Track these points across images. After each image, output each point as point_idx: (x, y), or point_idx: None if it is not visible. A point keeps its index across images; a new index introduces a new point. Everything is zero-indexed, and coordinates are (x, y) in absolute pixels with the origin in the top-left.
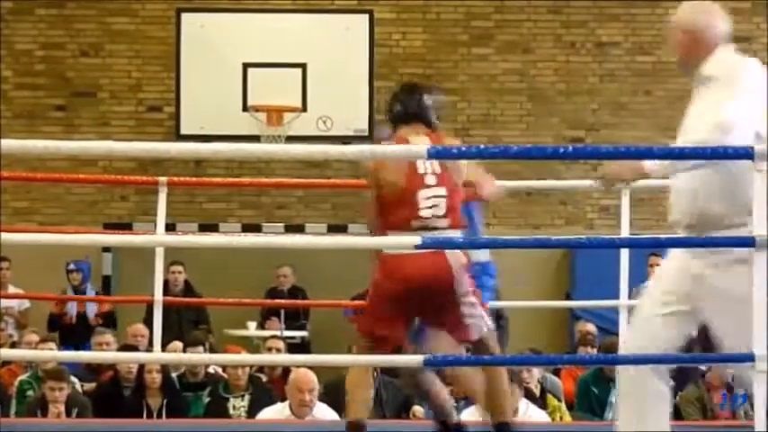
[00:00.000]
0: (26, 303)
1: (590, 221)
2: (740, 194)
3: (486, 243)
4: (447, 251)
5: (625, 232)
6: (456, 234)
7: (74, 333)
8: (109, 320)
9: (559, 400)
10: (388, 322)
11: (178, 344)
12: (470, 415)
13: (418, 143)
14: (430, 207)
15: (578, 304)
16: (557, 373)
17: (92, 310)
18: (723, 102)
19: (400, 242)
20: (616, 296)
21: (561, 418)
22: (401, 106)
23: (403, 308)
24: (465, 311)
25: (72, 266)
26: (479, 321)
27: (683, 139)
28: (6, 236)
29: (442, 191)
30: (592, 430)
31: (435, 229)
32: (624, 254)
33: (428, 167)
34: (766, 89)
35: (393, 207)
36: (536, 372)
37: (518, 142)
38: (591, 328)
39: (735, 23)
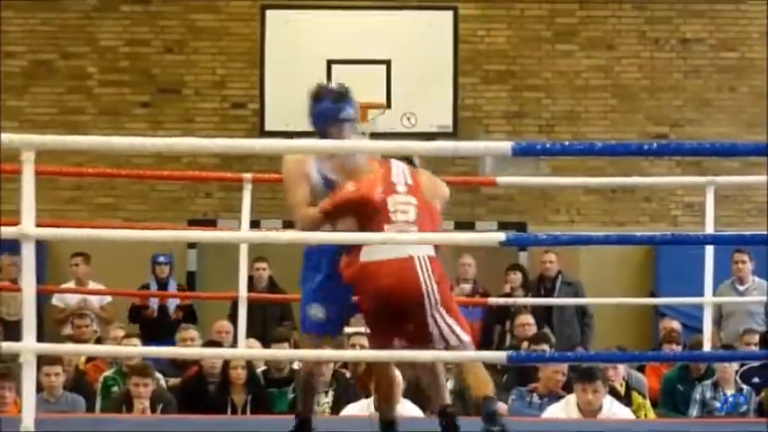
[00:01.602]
0: (108, 299)
1: (674, 218)
2: None
3: (570, 239)
4: (416, 262)
5: (710, 229)
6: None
7: (155, 326)
8: (189, 315)
9: (644, 398)
10: (389, 334)
11: (255, 341)
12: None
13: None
14: (399, 213)
15: (663, 301)
16: (641, 370)
17: (173, 303)
18: None
19: (484, 238)
20: (700, 293)
21: (646, 415)
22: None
23: (387, 317)
24: (429, 321)
25: (162, 259)
26: (446, 333)
27: None
28: (93, 232)
29: (412, 199)
30: (677, 429)
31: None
32: (709, 250)
33: (401, 178)
34: None
35: (366, 214)
36: (621, 369)
37: (602, 139)
38: (675, 325)
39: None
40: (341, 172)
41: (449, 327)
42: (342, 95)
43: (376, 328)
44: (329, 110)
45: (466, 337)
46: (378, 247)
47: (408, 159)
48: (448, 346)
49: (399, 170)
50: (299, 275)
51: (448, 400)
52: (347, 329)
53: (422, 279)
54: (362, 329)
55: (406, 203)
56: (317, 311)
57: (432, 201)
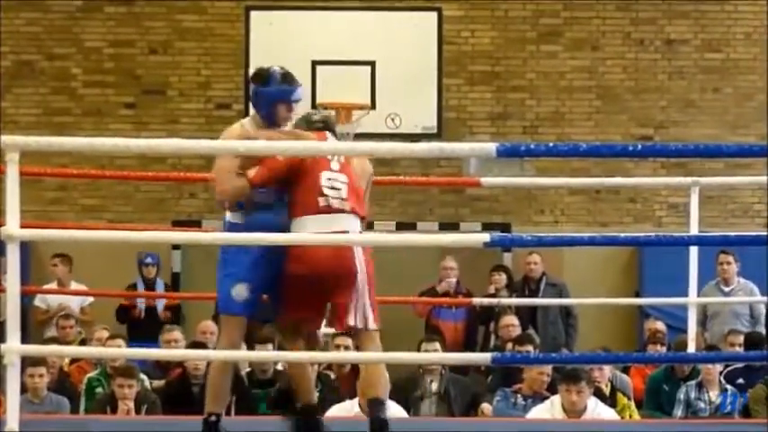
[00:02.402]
0: (89, 300)
1: (659, 219)
2: None
3: (555, 240)
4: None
5: (694, 230)
6: (356, 219)
7: (142, 326)
8: (177, 314)
9: (629, 399)
10: (305, 307)
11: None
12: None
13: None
14: (332, 188)
15: (648, 302)
16: (626, 371)
17: (161, 303)
18: None
19: (468, 239)
20: (685, 294)
21: (631, 416)
22: None
23: (313, 291)
24: (353, 297)
25: (149, 260)
26: (360, 315)
27: None
28: (77, 233)
29: (344, 177)
30: (661, 429)
31: (338, 211)
32: (693, 251)
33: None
34: None
35: (298, 186)
36: (607, 370)
37: (587, 140)
38: (660, 325)
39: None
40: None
41: (364, 309)
42: (292, 78)
43: (294, 300)
44: (282, 92)
45: (374, 326)
46: (314, 219)
47: (333, 131)
48: (356, 328)
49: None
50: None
51: (315, 398)
52: (330, 330)
53: (355, 255)
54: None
55: (338, 180)
56: (241, 291)
57: (359, 181)
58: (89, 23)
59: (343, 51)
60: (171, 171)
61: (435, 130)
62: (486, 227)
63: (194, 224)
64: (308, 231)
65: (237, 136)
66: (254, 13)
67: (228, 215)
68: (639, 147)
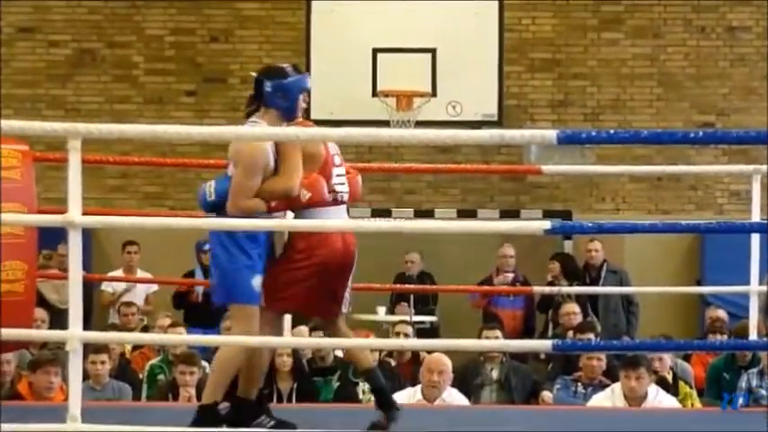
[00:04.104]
0: (154, 288)
1: (720, 206)
2: None
3: (615, 228)
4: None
5: (756, 217)
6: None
7: (200, 313)
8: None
9: (691, 387)
10: (305, 297)
11: (303, 328)
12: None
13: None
14: (340, 184)
15: (709, 290)
16: (687, 359)
17: None
18: None
19: (529, 227)
20: (746, 282)
21: (692, 404)
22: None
23: (332, 281)
24: (348, 286)
25: (206, 246)
26: (347, 300)
27: None
28: (138, 220)
29: (343, 170)
30: (721, 418)
31: (343, 203)
32: (755, 239)
33: (335, 148)
34: None
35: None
36: (668, 358)
37: (648, 127)
38: (721, 314)
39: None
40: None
41: (348, 295)
42: (297, 67)
43: (314, 290)
44: (300, 80)
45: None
46: (326, 211)
47: None
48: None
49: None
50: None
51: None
52: (391, 317)
53: (353, 243)
54: (407, 318)
55: (341, 175)
56: (259, 282)
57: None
58: (150, 11)
59: (403, 39)
60: None
61: (496, 118)
62: (547, 214)
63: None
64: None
65: (260, 151)
66: (315, 1)
67: None
68: (701, 134)
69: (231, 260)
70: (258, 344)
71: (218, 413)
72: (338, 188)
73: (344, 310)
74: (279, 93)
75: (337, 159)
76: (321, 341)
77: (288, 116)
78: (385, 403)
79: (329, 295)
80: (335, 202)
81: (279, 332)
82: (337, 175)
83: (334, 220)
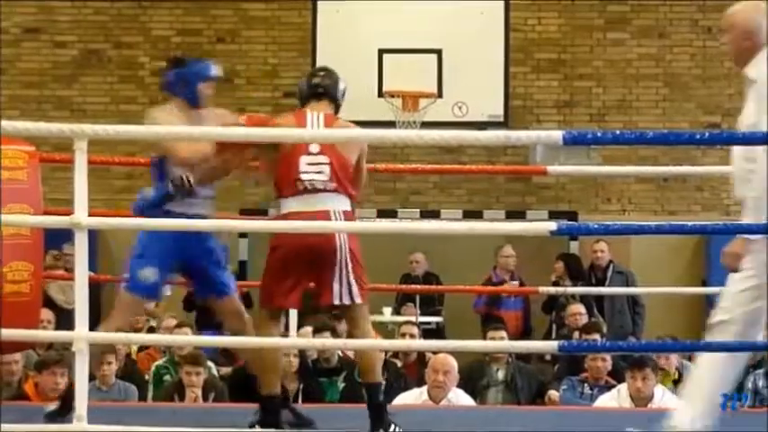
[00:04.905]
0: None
1: (727, 207)
2: None
3: (621, 229)
4: (332, 216)
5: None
6: (341, 198)
7: (210, 314)
8: (246, 302)
9: None
10: (285, 289)
11: (308, 329)
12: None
13: (314, 116)
14: (312, 172)
15: (715, 291)
16: (692, 359)
17: None
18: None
19: (535, 228)
20: None
21: None
22: (317, 83)
23: (294, 270)
24: (335, 276)
25: None
26: (345, 292)
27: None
28: (145, 221)
29: (325, 158)
30: (727, 419)
31: (319, 191)
32: None
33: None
34: None
35: (278, 168)
36: (674, 358)
37: (654, 128)
38: None
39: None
40: None
41: (348, 285)
42: (200, 58)
43: (275, 278)
44: (203, 68)
45: (359, 300)
46: (296, 199)
47: (334, 97)
48: (341, 306)
49: (314, 127)
50: None
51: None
52: (397, 318)
53: (337, 234)
54: (413, 318)
55: (319, 163)
56: (149, 275)
57: (349, 155)
58: (156, 12)
59: (409, 39)
60: None
61: (502, 119)
62: (553, 215)
63: (261, 213)
64: (292, 210)
65: (167, 117)
66: (321, 2)
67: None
68: (707, 134)
69: (133, 248)
70: (257, 345)
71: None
72: (305, 177)
73: (337, 300)
74: (179, 81)
75: (314, 148)
76: (326, 342)
77: (192, 104)
78: (378, 420)
79: (301, 288)
80: (304, 190)
81: (274, 332)
82: (308, 164)
83: (327, 222)
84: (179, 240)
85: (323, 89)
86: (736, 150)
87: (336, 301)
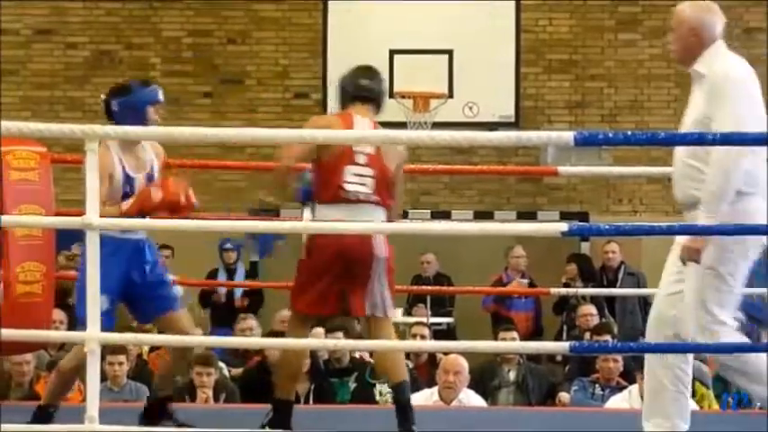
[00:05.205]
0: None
1: None
2: None
3: (633, 230)
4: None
5: None
6: (379, 210)
7: (223, 313)
8: (257, 302)
9: (708, 388)
10: (322, 295)
11: (320, 330)
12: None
13: (363, 122)
14: (356, 183)
15: None
16: (704, 360)
17: (240, 290)
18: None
19: (546, 229)
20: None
21: (710, 405)
22: (368, 86)
23: (330, 276)
24: (369, 288)
25: (228, 245)
26: (379, 303)
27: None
28: (156, 222)
29: (370, 171)
30: (739, 419)
31: (361, 202)
32: None
33: (362, 147)
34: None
35: (322, 179)
36: None
37: (665, 128)
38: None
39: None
40: (141, 169)
41: (383, 297)
42: (148, 81)
43: (312, 283)
44: (147, 93)
45: (391, 313)
46: (338, 207)
47: (378, 101)
48: (374, 315)
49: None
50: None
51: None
52: (408, 319)
53: (375, 243)
54: (424, 319)
55: (365, 175)
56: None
57: (390, 166)
58: (167, 13)
59: (420, 40)
60: (249, 160)
61: (513, 119)
62: (564, 216)
63: (272, 213)
64: (331, 219)
65: (100, 157)
66: (331, 2)
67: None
68: (718, 135)
69: (78, 280)
70: (269, 346)
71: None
72: (350, 187)
73: (371, 310)
74: (126, 110)
75: (361, 158)
76: (338, 343)
77: None
78: (405, 420)
79: (335, 294)
80: (346, 200)
81: (303, 335)
82: (354, 174)
83: (352, 222)
84: (123, 263)
85: (371, 94)
86: (681, 150)
87: (369, 313)
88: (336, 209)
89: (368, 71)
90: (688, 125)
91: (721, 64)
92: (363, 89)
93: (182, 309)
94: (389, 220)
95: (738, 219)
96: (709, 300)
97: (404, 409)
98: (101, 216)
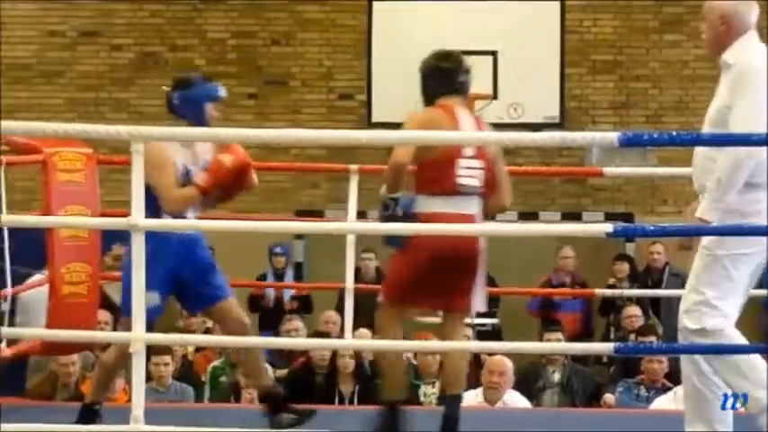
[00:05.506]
0: None
1: None
2: None
3: (677, 230)
4: (476, 221)
5: None
6: (481, 202)
7: (271, 316)
8: (306, 304)
9: None
10: (423, 290)
11: (366, 331)
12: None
13: (465, 116)
14: (467, 176)
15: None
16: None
17: (288, 294)
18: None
19: (591, 229)
20: None
21: None
22: (464, 78)
23: (438, 272)
24: (475, 284)
25: (278, 250)
26: (479, 299)
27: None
28: (200, 223)
29: (479, 163)
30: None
31: (470, 194)
32: None
33: None
34: None
35: (433, 172)
36: None
37: None
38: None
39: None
40: (196, 162)
41: (482, 294)
42: (206, 78)
43: (418, 278)
44: (209, 89)
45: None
46: (447, 199)
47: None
48: (459, 315)
49: (468, 130)
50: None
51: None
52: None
53: (479, 239)
54: (468, 320)
55: (473, 168)
56: (151, 299)
57: (495, 158)
58: (211, 15)
59: (464, 41)
60: (294, 161)
61: (557, 120)
62: (609, 217)
63: (316, 214)
64: (437, 210)
65: (157, 148)
66: (376, 3)
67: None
68: (764, 135)
69: (125, 274)
70: (307, 347)
71: (93, 412)
72: (463, 181)
73: (476, 307)
74: (185, 103)
75: (468, 151)
76: (381, 343)
77: (199, 125)
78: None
79: (439, 289)
80: (457, 193)
81: (399, 333)
82: (465, 167)
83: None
84: (170, 258)
85: (467, 87)
86: (701, 147)
87: (474, 310)
88: (445, 200)
89: (462, 62)
90: (711, 115)
91: (749, 55)
92: (462, 84)
93: (232, 296)
94: (493, 211)
95: (745, 209)
96: (702, 281)
97: (451, 424)
98: (178, 198)
